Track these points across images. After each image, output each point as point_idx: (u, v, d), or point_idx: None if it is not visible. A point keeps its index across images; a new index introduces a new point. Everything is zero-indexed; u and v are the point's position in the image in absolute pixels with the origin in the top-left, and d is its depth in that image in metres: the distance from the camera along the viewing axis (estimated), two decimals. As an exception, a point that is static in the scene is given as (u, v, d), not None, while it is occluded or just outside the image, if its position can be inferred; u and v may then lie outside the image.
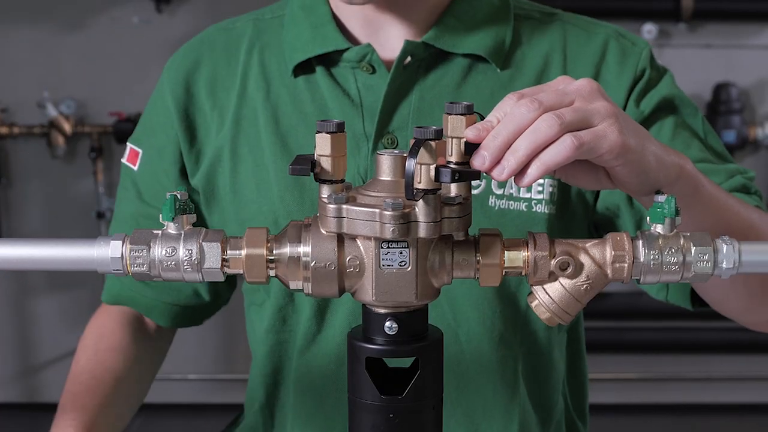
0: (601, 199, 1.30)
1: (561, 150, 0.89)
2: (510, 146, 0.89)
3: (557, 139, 0.89)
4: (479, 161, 0.89)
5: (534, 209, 1.27)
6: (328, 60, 1.31)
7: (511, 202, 1.27)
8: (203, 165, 1.35)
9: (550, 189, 1.28)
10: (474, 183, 1.25)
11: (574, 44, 1.32)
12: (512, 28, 1.32)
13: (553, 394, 1.39)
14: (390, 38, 1.30)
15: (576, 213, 1.31)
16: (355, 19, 1.31)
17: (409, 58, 1.29)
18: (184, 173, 1.37)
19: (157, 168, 1.39)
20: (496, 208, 1.27)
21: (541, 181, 1.27)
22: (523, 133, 0.89)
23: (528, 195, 1.27)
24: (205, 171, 1.35)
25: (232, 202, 1.33)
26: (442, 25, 1.29)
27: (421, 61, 1.29)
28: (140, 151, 1.41)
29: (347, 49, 1.29)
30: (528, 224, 1.26)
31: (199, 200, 1.37)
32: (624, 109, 1.28)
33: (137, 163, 1.41)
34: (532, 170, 0.90)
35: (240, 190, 1.33)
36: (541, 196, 1.27)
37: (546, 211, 1.27)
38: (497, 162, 0.89)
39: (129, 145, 1.44)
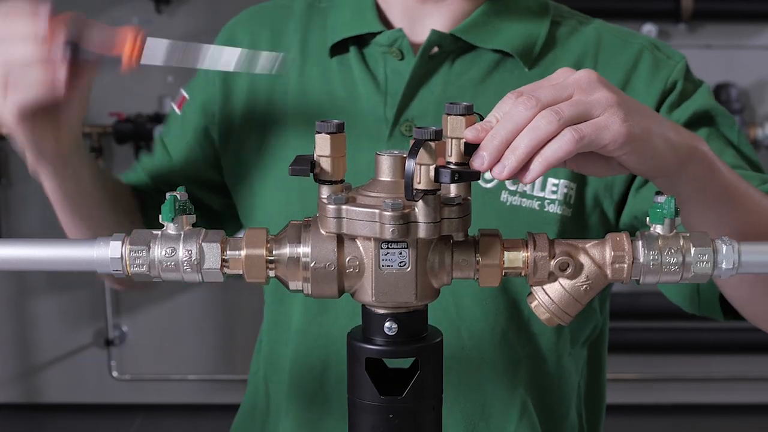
0: (626, 212, 1.29)
1: (562, 145, 0.89)
2: (509, 145, 0.89)
3: (558, 134, 0.89)
4: (478, 162, 0.89)
5: (546, 208, 1.27)
6: (363, 43, 1.33)
7: (524, 200, 1.28)
8: (233, 126, 1.40)
9: (565, 190, 1.27)
10: (487, 176, 1.26)
11: (608, 51, 1.33)
12: (547, 30, 1.33)
13: (562, 405, 1.38)
14: (425, 28, 1.32)
15: (590, 221, 1.30)
16: (396, 7, 1.34)
17: (436, 48, 1.31)
18: (207, 133, 1.43)
19: (189, 114, 1.44)
20: (508, 204, 1.27)
21: (555, 181, 1.27)
22: (523, 131, 0.89)
23: (541, 194, 1.27)
24: (232, 134, 1.40)
25: (255, 165, 1.38)
26: (475, 19, 1.31)
27: (449, 53, 1.31)
28: (187, 97, 1.45)
29: (380, 33, 1.32)
30: (539, 223, 1.26)
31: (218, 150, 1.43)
32: None
33: (182, 108, 1.46)
34: (535, 166, 0.89)
35: (263, 156, 1.37)
36: (554, 196, 1.27)
37: (558, 211, 1.27)
38: (497, 161, 0.89)
39: (181, 91, 1.48)
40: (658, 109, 1.29)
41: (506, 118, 0.90)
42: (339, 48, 1.34)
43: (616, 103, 0.92)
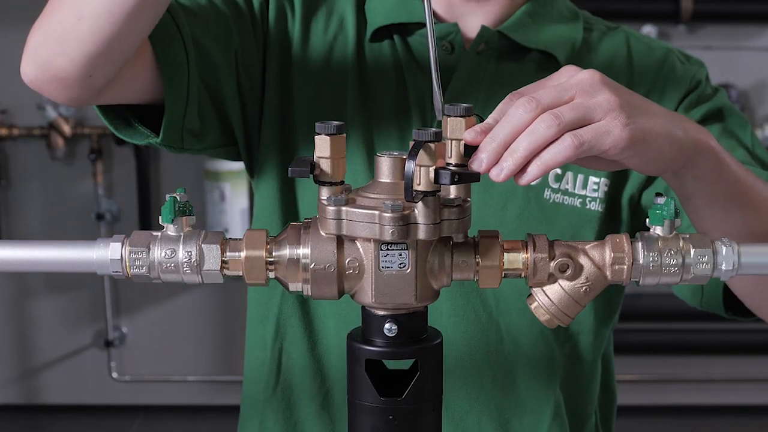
0: (644, 195, 1.31)
1: (561, 150, 0.89)
2: (508, 147, 0.89)
3: (557, 138, 0.89)
4: (477, 164, 0.89)
5: (588, 206, 1.29)
6: (406, 32, 1.33)
7: (566, 197, 1.30)
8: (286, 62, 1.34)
9: (606, 188, 1.30)
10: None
11: (637, 53, 1.36)
12: (582, 34, 1.36)
13: (588, 406, 1.40)
14: (467, 26, 1.33)
15: (629, 219, 1.32)
16: (439, 2, 1.34)
17: (483, 45, 1.31)
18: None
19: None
20: (551, 201, 1.29)
21: (596, 179, 1.30)
22: (522, 134, 0.89)
23: (583, 192, 1.29)
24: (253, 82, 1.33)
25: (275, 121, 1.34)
26: (519, 19, 1.33)
27: (494, 50, 1.32)
28: None
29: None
30: (579, 220, 1.29)
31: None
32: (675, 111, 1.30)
33: None
34: (532, 169, 0.90)
35: (286, 121, 1.33)
36: (595, 194, 1.30)
37: (599, 209, 1.30)
38: (495, 163, 0.90)
39: None
40: (679, 105, 1.31)
41: (506, 120, 0.90)
42: (380, 33, 1.34)
43: (619, 107, 0.92)
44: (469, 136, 0.90)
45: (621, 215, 1.32)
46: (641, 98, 0.97)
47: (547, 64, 1.32)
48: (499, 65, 1.32)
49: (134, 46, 1.14)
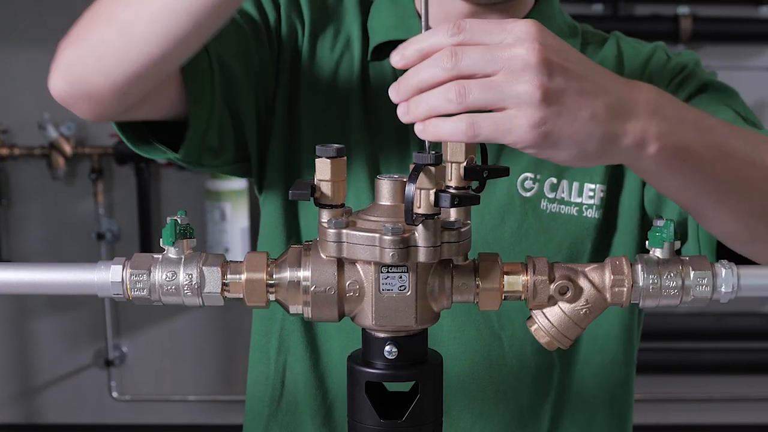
0: (645, 194, 1.30)
1: (453, 131, 0.86)
2: (417, 92, 0.88)
3: (456, 114, 0.86)
4: (393, 92, 0.89)
5: (584, 214, 1.30)
6: None
7: (562, 206, 1.30)
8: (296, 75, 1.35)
9: (602, 194, 1.30)
10: (526, 185, 1.29)
11: (627, 53, 1.37)
12: (579, 49, 1.35)
13: (595, 417, 1.39)
14: None
15: (620, 222, 1.31)
16: (436, 22, 1.32)
17: None
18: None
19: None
20: (548, 211, 1.30)
21: (592, 186, 1.30)
22: (426, 93, 0.87)
23: (579, 199, 1.30)
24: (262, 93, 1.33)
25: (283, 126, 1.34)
26: None
27: None
28: None
29: None
30: (577, 229, 1.29)
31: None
32: None
33: None
34: (425, 135, 0.88)
35: (317, 129, 1.33)
36: (591, 201, 1.30)
37: (596, 216, 1.30)
38: (404, 101, 0.89)
39: None
40: (667, 86, 1.30)
41: (421, 68, 0.88)
42: (379, 51, 1.34)
43: (537, 103, 0.85)
44: (394, 59, 0.90)
45: (618, 221, 1.32)
46: (580, 84, 0.88)
47: None
48: None
49: (177, 67, 1.14)
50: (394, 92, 0.89)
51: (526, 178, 1.30)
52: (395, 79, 1.31)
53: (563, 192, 1.30)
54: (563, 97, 0.86)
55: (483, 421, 1.32)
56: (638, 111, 0.91)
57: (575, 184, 1.30)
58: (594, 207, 1.30)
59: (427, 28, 0.91)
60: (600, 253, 1.30)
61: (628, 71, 1.35)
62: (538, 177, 1.30)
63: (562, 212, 1.30)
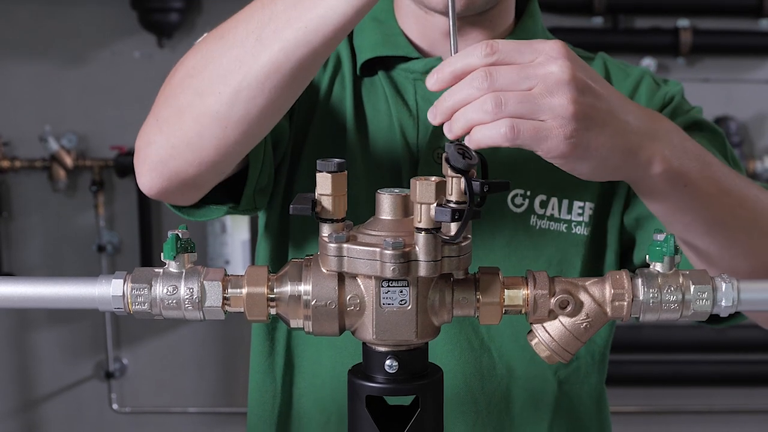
0: (627, 214, 1.32)
1: (493, 135, 0.89)
2: (456, 111, 0.92)
3: (495, 121, 0.89)
4: (431, 116, 0.93)
5: (573, 230, 1.31)
6: (391, 66, 1.34)
7: (552, 223, 1.31)
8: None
9: (590, 212, 1.31)
10: (516, 201, 1.30)
11: (615, 76, 1.37)
12: None
13: (582, 427, 1.40)
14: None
15: (609, 239, 1.33)
16: (421, 38, 1.34)
17: None
18: None
19: None
20: (537, 227, 1.31)
21: (581, 203, 1.31)
22: (464, 108, 0.91)
23: (568, 217, 1.31)
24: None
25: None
26: None
27: None
28: None
29: (415, 58, 1.33)
30: (566, 245, 1.30)
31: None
32: None
33: None
34: (469, 143, 0.91)
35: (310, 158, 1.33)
36: (581, 218, 1.31)
37: (585, 233, 1.31)
38: (447, 120, 0.92)
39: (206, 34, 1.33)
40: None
41: (458, 88, 0.91)
42: (367, 68, 1.35)
43: (570, 117, 0.90)
44: (430, 82, 0.93)
45: (607, 238, 1.33)
46: (605, 102, 0.95)
47: None
48: None
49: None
50: (432, 115, 0.92)
51: (516, 194, 1.30)
52: (385, 93, 1.32)
53: (553, 209, 1.31)
54: (592, 112, 0.92)
55: None
56: (651, 131, 0.98)
57: (564, 202, 1.31)
58: (583, 224, 1.31)
59: (456, 51, 0.94)
60: (589, 269, 1.32)
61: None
62: (528, 193, 1.31)
63: (552, 228, 1.31)
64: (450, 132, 0.92)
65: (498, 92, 0.89)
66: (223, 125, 1.05)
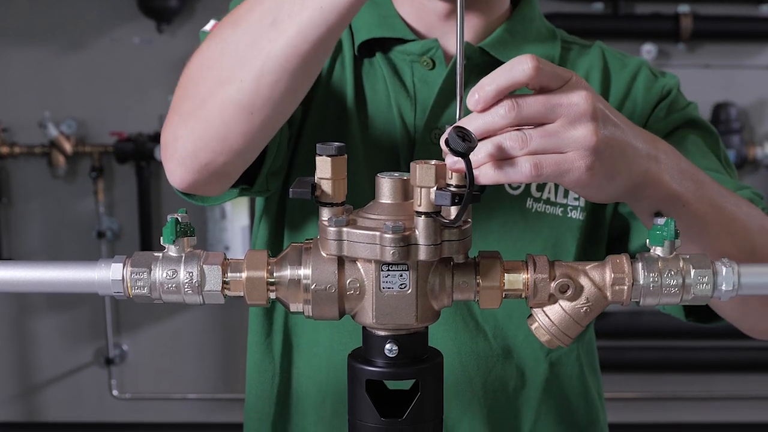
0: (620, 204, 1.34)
1: (515, 173, 0.91)
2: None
3: (519, 158, 0.91)
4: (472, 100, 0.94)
5: (569, 215, 1.32)
6: (388, 48, 1.34)
7: (548, 206, 1.31)
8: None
9: None
10: (513, 185, 1.30)
11: (612, 65, 1.38)
12: (560, 52, 1.38)
13: (578, 411, 1.41)
14: (447, 42, 1.33)
15: (604, 223, 1.34)
16: (418, 19, 1.34)
17: (464, 61, 1.31)
18: None
19: None
20: (533, 210, 1.31)
21: None
22: (489, 139, 0.92)
23: (564, 201, 1.32)
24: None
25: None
26: (500, 36, 1.33)
27: (475, 66, 1.32)
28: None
29: (411, 40, 1.33)
30: (561, 229, 1.31)
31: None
32: (647, 119, 1.33)
33: None
34: (487, 178, 0.92)
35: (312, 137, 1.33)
36: (576, 203, 1.32)
37: (581, 217, 1.32)
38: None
39: (212, 21, 1.30)
40: (652, 112, 1.34)
41: (487, 115, 0.93)
42: (364, 49, 1.34)
43: (592, 148, 0.93)
44: (471, 102, 0.93)
45: (603, 223, 1.34)
46: (621, 131, 0.98)
47: None
48: (479, 79, 1.33)
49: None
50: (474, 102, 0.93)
51: None
52: (382, 74, 1.32)
53: (549, 192, 1.31)
54: (611, 142, 0.95)
55: (472, 413, 1.33)
56: (654, 155, 1.02)
57: (561, 186, 1.31)
58: (579, 208, 1.32)
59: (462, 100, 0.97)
60: (584, 253, 1.32)
61: (615, 83, 1.37)
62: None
63: (548, 212, 1.32)
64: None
65: (523, 130, 0.91)
66: (248, 111, 1.05)
